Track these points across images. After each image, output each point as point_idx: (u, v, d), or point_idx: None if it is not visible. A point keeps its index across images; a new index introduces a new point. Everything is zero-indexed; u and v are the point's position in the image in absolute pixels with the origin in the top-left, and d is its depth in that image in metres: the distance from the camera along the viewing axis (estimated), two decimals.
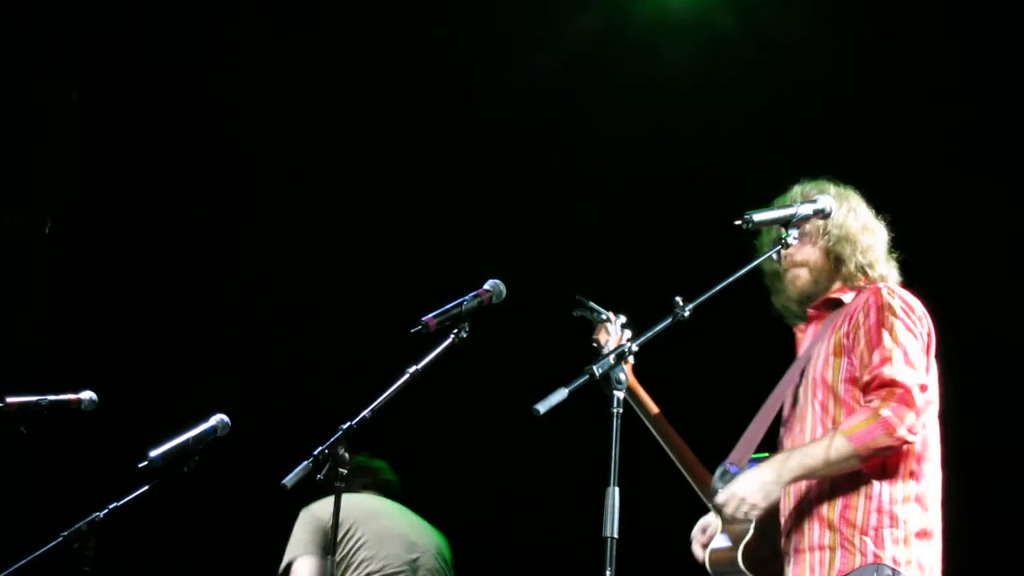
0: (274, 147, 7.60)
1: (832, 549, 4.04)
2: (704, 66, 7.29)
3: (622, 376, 3.84)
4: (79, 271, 7.41)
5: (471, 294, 4.44)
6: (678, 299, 4.00)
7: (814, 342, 4.29)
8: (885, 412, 3.92)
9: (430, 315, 4.32)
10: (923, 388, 4.00)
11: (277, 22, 7.56)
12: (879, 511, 4.02)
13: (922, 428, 4.02)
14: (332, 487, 4.13)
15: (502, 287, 4.52)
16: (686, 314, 3.99)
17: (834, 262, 4.35)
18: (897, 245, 6.58)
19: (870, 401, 3.99)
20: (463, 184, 7.57)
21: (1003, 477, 6.26)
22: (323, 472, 4.13)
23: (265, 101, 7.57)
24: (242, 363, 7.36)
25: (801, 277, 4.37)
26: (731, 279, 4.33)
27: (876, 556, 3.98)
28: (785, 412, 4.30)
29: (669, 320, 3.99)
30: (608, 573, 3.74)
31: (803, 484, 4.09)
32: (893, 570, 3.96)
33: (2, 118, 7.22)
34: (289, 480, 4.08)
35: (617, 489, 3.78)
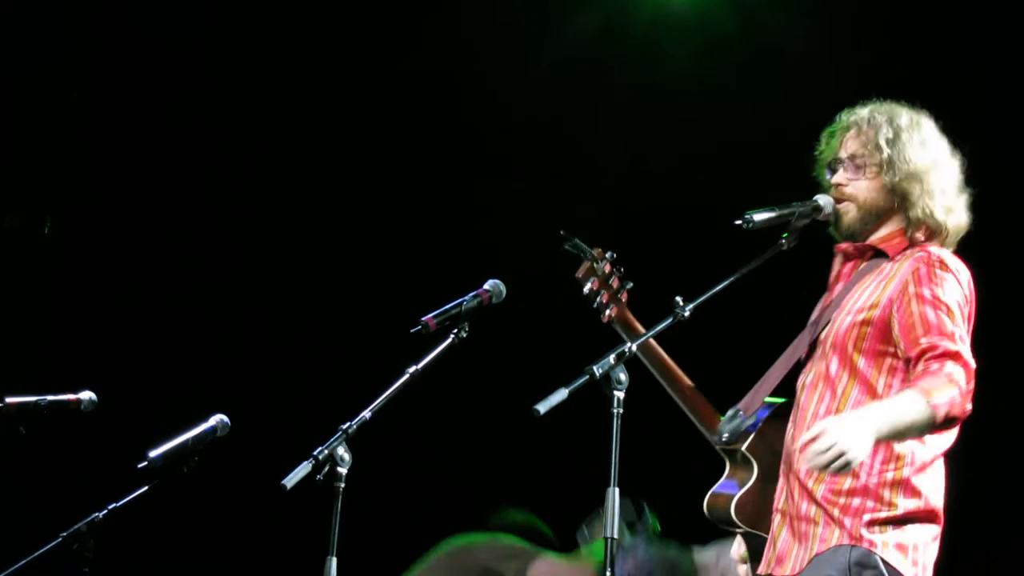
0: (274, 147, 7.60)
1: (815, 523, 3.91)
2: (704, 66, 7.28)
3: (622, 376, 3.84)
4: (79, 271, 7.40)
5: (471, 294, 4.44)
6: (678, 299, 4.00)
7: (846, 289, 4.10)
8: (963, 384, 3.70)
9: (430, 315, 4.31)
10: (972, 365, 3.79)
11: (279, 21, 7.56)
12: (865, 491, 3.87)
13: None
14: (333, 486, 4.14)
15: (502, 287, 4.52)
16: (686, 314, 3.99)
17: (899, 201, 4.04)
18: None
19: (942, 367, 3.74)
20: (463, 184, 7.57)
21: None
22: (322, 473, 4.13)
23: (266, 101, 7.57)
24: (242, 363, 7.36)
25: (849, 214, 4.12)
26: (731, 279, 4.33)
27: (855, 536, 3.84)
28: (803, 359, 4.13)
29: (669, 320, 3.99)
30: (608, 573, 3.74)
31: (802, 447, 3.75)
32: (869, 552, 3.83)
33: (2, 118, 7.22)
34: (289, 480, 4.08)
35: (617, 489, 3.78)
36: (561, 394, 3.80)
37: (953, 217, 4.09)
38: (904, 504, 3.87)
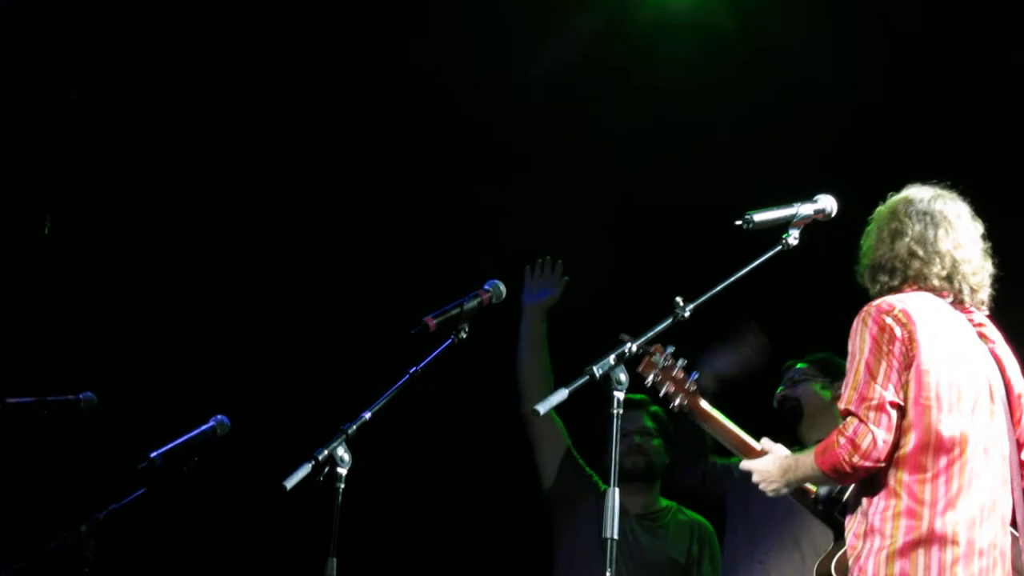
0: (275, 148, 7.60)
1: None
2: (704, 66, 7.28)
3: (622, 376, 3.85)
4: (79, 271, 7.40)
5: (471, 294, 4.44)
6: (678, 299, 4.01)
7: None
8: (841, 440, 4.03)
9: (430, 315, 4.32)
10: (880, 407, 4.01)
11: (280, 22, 7.56)
12: (866, 527, 4.09)
13: (908, 441, 4.03)
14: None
15: (502, 287, 4.52)
16: (686, 314, 4.00)
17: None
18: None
19: (842, 421, 4.10)
20: (463, 184, 7.56)
21: None
22: (322, 473, 4.14)
23: (267, 101, 7.56)
24: (242, 363, 7.36)
25: None
26: (731, 279, 4.33)
27: (859, 569, 4.05)
28: None
29: (669, 320, 4.00)
30: (608, 573, 3.74)
31: None
32: None
33: (1, 117, 7.22)
34: (289, 481, 4.08)
35: (617, 490, 3.78)
36: (561, 394, 3.80)
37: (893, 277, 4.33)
38: None
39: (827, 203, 4.36)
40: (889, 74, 7.04)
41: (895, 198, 4.46)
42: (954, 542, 4.01)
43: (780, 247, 4.27)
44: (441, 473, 7.32)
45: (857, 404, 4.04)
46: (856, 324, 4.16)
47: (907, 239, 4.31)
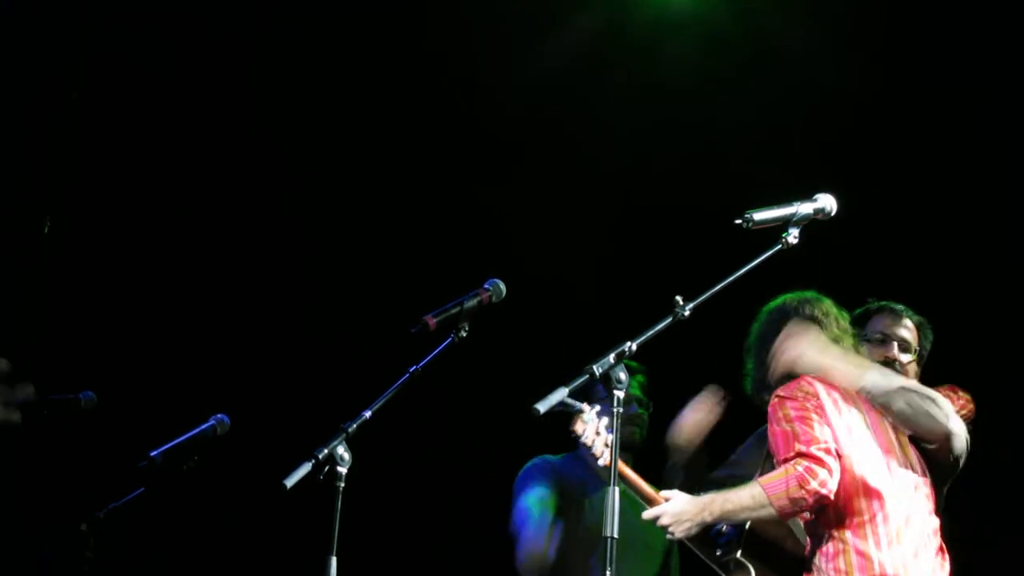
0: (274, 147, 7.60)
1: None
2: (704, 65, 7.29)
3: (622, 375, 3.85)
4: (79, 271, 7.40)
5: (471, 293, 4.44)
6: (678, 299, 4.01)
7: None
8: (798, 469, 4.27)
9: (430, 314, 4.31)
10: (827, 451, 4.30)
11: (281, 19, 7.56)
12: (811, 565, 4.39)
13: (836, 487, 4.29)
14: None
15: (502, 286, 4.52)
16: (686, 313, 4.00)
17: None
18: (894, 243, 6.60)
19: (785, 462, 4.35)
20: (463, 183, 7.57)
21: None
22: (323, 473, 4.13)
23: (266, 100, 7.56)
24: (242, 363, 7.36)
25: None
26: (731, 279, 4.33)
27: None
28: None
29: (669, 320, 4.00)
30: (608, 573, 3.74)
31: None
32: None
33: (2, 117, 7.22)
34: (289, 480, 4.08)
35: (617, 489, 3.78)
36: (561, 393, 3.80)
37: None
38: None
39: (827, 202, 4.36)
40: (889, 74, 7.04)
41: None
42: None
43: (780, 246, 4.28)
44: (441, 472, 7.32)
45: (806, 445, 4.30)
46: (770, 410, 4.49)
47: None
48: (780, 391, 4.49)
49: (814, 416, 4.38)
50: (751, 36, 7.27)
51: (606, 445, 4.75)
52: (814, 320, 4.63)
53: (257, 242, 7.60)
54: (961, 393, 4.87)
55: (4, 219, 7.20)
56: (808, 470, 4.24)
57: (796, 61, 7.11)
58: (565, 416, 4.73)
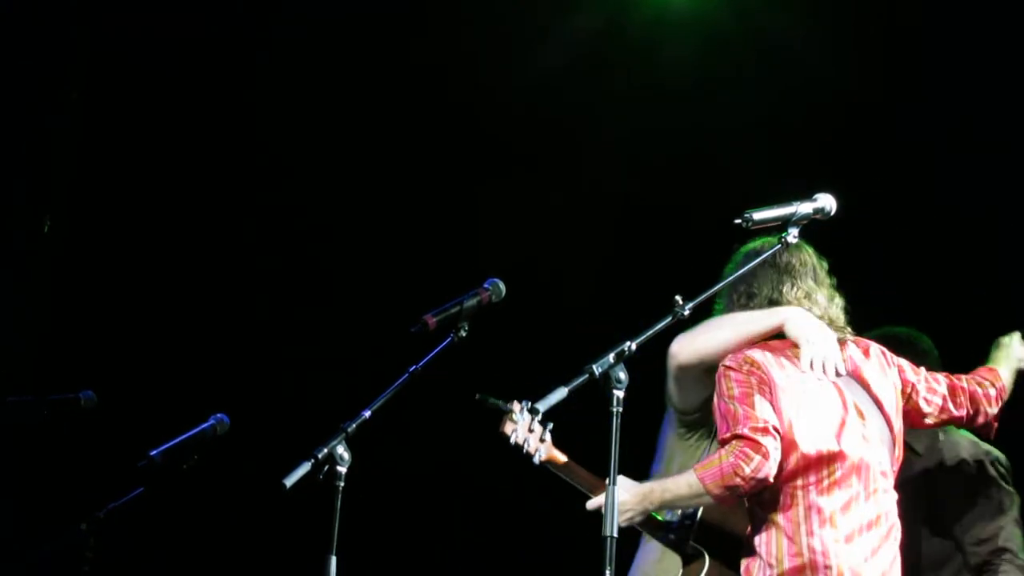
0: (274, 147, 7.60)
1: None
2: (704, 65, 7.29)
3: (622, 375, 3.85)
4: (79, 270, 7.40)
5: (470, 293, 4.44)
6: (678, 298, 4.01)
7: None
8: (732, 456, 4.18)
9: (429, 314, 4.31)
10: (764, 431, 4.20)
11: (279, 20, 7.56)
12: (749, 549, 4.31)
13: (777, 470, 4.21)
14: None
15: (501, 286, 4.51)
16: (686, 313, 4.00)
17: None
18: (893, 243, 6.59)
19: (722, 444, 4.27)
20: (463, 183, 7.57)
21: None
22: (322, 472, 4.13)
23: (265, 100, 7.57)
24: (242, 363, 7.36)
25: None
26: (731, 279, 4.34)
27: None
28: None
29: (669, 319, 4.00)
30: (608, 573, 3.74)
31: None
32: None
33: (2, 117, 7.22)
34: (289, 480, 4.08)
35: (617, 488, 3.78)
36: (561, 393, 3.80)
37: None
38: None
39: (826, 202, 4.35)
40: (889, 73, 7.04)
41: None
42: (826, 564, 4.20)
43: (779, 246, 4.28)
44: (441, 472, 7.31)
45: (744, 425, 4.21)
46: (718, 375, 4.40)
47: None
48: (727, 360, 4.39)
49: (756, 392, 4.28)
50: (751, 36, 7.27)
51: (541, 440, 4.74)
52: (786, 269, 4.50)
53: (257, 242, 7.60)
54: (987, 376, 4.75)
55: (4, 219, 7.21)
56: (742, 455, 4.16)
57: (796, 61, 7.11)
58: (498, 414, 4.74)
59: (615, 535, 3.76)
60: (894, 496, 4.38)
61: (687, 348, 4.50)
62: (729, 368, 4.35)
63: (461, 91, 7.53)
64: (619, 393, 3.83)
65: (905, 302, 5.24)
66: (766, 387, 4.30)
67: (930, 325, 5.23)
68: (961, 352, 4.97)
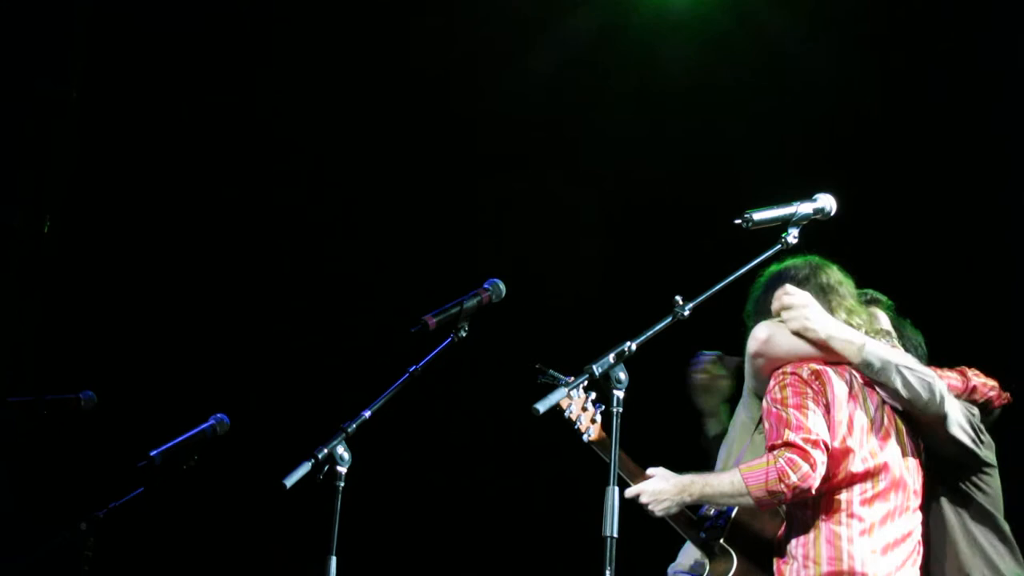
0: (274, 146, 7.60)
1: None
2: (704, 66, 7.29)
3: (622, 375, 3.85)
4: (79, 270, 7.40)
5: (470, 293, 4.44)
6: (678, 298, 4.01)
7: None
8: (780, 461, 4.18)
9: (429, 314, 4.31)
10: (815, 443, 4.21)
11: (277, 20, 7.56)
12: (783, 551, 4.33)
13: (821, 480, 4.21)
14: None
15: (501, 286, 4.52)
16: (686, 313, 4.00)
17: None
18: (897, 243, 6.58)
19: (771, 450, 4.27)
20: (463, 184, 7.57)
21: None
22: (322, 472, 4.13)
23: (267, 101, 7.57)
24: (242, 363, 7.36)
25: None
26: (731, 279, 4.33)
27: None
28: None
29: (669, 319, 4.00)
30: (608, 573, 3.74)
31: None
32: None
33: (1, 117, 7.22)
34: (289, 480, 4.08)
35: (617, 489, 3.78)
36: (561, 393, 3.81)
37: None
38: None
39: (826, 202, 4.35)
40: (888, 73, 7.04)
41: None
42: (863, 572, 4.22)
43: (779, 246, 4.28)
44: (440, 472, 7.32)
45: (796, 433, 4.21)
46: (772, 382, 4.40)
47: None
48: (789, 366, 4.39)
49: (811, 403, 4.29)
50: (751, 37, 7.27)
51: (592, 421, 4.76)
52: (828, 289, 4.51)
53: (257, 242, 7.60)
54: (984, 379, 4.74)
55: (4, 219, 7.21)
56: (790, 462, 4.17)
57: (796, 62, 7.11)
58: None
59: (615, 535, 3.76)
60: (920, 516, 4.41)
61: (783, 340, 4.45)
62: (789, 374, 4.37)
63: (460, 93, 7.53)
64: (619, 393, 3.83)
65: (905, 301, 5.23)
66: (822, 400, 4.32)
67: (930, 325, 5.23)
68: (961, 351, 4.96)
